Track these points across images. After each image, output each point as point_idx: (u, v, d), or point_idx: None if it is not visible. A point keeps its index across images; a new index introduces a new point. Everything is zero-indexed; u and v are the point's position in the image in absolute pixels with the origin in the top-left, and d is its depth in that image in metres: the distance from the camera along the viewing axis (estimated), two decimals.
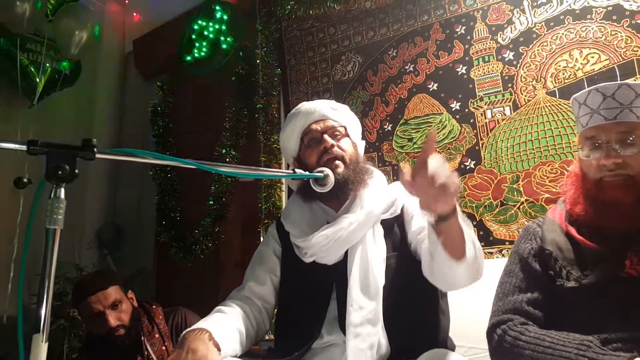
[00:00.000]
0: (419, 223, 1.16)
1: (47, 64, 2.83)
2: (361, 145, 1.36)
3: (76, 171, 0.75)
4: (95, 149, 0.77)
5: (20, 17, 2.65)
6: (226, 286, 2.46)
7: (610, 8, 1.80)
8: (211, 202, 2.68)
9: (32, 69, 2.79)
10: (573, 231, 1.10)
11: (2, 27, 2.72)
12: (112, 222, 3.18)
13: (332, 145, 1.22)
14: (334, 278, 1.17)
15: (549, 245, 1.12)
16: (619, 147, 1.04)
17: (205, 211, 2.70)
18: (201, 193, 2.73)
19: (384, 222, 1.21)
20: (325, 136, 1.24)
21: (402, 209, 1.23)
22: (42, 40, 2.82)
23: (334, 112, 1.27)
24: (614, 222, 1.04)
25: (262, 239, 2.44)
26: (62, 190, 0.74)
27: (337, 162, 1.21)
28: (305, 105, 1.29)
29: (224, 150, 2.71)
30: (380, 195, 1.23)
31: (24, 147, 0.73)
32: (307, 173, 1.15)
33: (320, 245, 1.17)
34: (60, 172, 0.73)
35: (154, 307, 1.88)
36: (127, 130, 3.41)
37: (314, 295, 1.19)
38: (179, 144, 3.01)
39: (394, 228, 1.21)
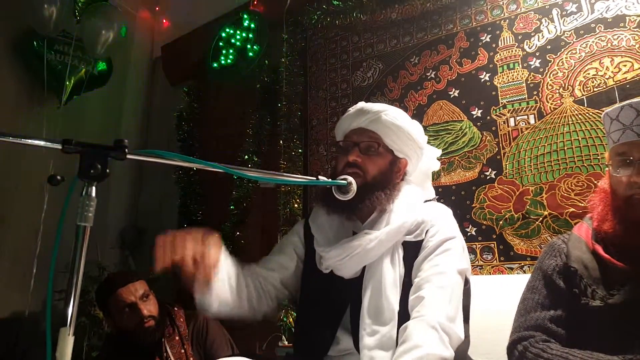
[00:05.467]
0: (425, 267, 1.12)
1: (78, 64, 2.89)
2: (413, 156, 1.30)
3: (107, 170, 0.77)
4: (126, 150, 0.79)
5: (47, 19, 2.69)
6: None
7: None
8: (232, 207, 2.71)
9: (60, 69, 2.84)
10: (600, 249, 1.08)
11: (30, 30, 2.79)
12: (135, 223, 3.24)
13: (355, 161, 1.21)
14: (349, 294, 1.16)
15: (574, 263, 1.10)
16: None
17: (225, 215, 2.73)
18: (222, 197, 2.77)
19: (406, 244, 1.17)
20: (355, 149, 1.23)
21: (425, 234, 1.18)
22: (69, 41, 2.88)
23: (372, 123, 1.24)
24: None
25: None
26: (94, 188, 0.76)
27: (356, 176, 1.18)
28: (353, 109, 1.30)
29: (246, 156, 2.75)
30: (407, 215, 1.18)
31: (58, 146, 0.76)
32: (329, 180, 1.12)
33: (335, 259, 1.16)
34: (92, 171, 0.75)
35: (175, 309, 1.90)
36: (153, 133, 3.49)
37: (330, 306, 1.18)
38: (203, 149, 3.06)
39: (415, 252, 1.16)
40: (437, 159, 1.44)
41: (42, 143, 0.76)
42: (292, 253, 1.32)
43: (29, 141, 0.76)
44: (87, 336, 2.57)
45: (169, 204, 3.07)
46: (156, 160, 0.89)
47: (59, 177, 0.79)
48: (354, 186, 1.11)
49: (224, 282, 1.13)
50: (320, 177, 1.11)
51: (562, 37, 1.94)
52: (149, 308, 1.75)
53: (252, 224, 2.71)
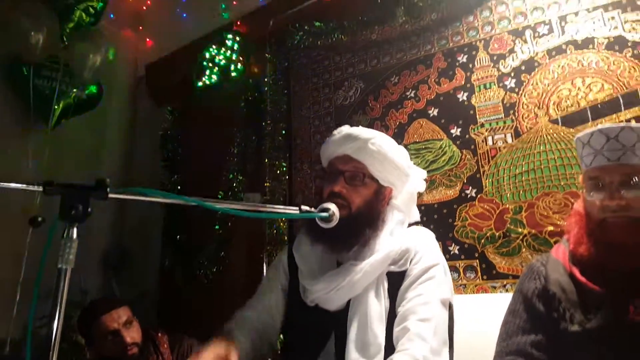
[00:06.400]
0: (409, 296, 1.11)
1: (66, 89, 2.88)
2: (398, 183, 1.28)
3: (89, 210, 0.78)
4: (108, 189, 0.80)
5: (34, 45, 2.70)
6: (229, 312, 2.46)
7: (613, 39, 1.84)
8: (217, 227, 2.70)
9: (48, 94, 2.83)
10: (576, 272, 1.10)
11: (18, 56, 2.79)
12: (119, 244, 3.20)
13: (340, 192, 1.20)
14: (333, 327, 1.16)
15: (552, 286, 1.12)
16: (622, 189, 1.06)
17: (210, 235, 2.72)
18: (207, 217, 2.76)
19: (390, 275, 1.16)
20: (340, 179, 1.21)
21: (410, 263, 1.17)
22: (57, 66, 2.87)
23: (358, 152, 1.22)
24: (618, 264, 1.04)
25: (265, 265, 2.45)
26: (75, 230, 0.77)
27: (340, 207, 1.16)
28: (338, 135, 1.27)
29: (231, 175, 2.75)
30: (391, 244, 1.17)
31: (39, 189, 0.76)
32: (312, 213, 1.10)
33: (321, 292, 1.16)
34: (73, 212, 0.76)
35: (159, 334, 1.88)
36: (138, 153, 3.46)
37: (315, 339, 1.17)
38: (187, 169, 3.06)
39: (400, 283, 1.15)
40: (424, 180, 1.44)
41: (23, 186, 0.77)
42: (280, 292, 1.29)
43: (11, 185, 0.76)
44: None
45: (153, 224, 3.05)
46: (138, 199, 0.89)
47: (40, 219, 0.80)
48: (337, 214, 1.10)
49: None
50: (303, 207, 1.08)
51: (535, 58, 2.01)
52: (132, 335, 1.73)
53: (238, 244, 2.71)
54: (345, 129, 1.28)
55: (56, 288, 0.73)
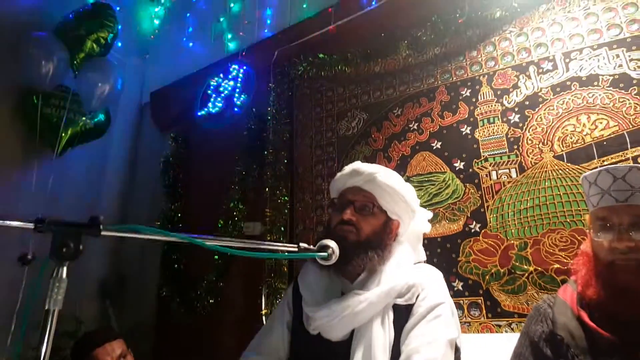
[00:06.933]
0: (415, 334, 1.09)
1: (74, 117, 2.92)
2: (405, 218, 1.31)
3: (81, 247, 0.76)
4: (101, 227, 0.77)
5: (44, 75, 2.77)
6: (226, 345, 2.39)
7: (617, 76, 1.83)
8: (216, 257, 2.66)
9: (56, 122, 2.88)
10: (585, 317, 1.07)
11: (28, 85, 2.85)
12: (116, 272, 3.15)
13: (349, 219, 1.22)
14: (336, 357, 1.13)
15: (560, 330, 1.09)
16: (631, 231, 1.04)
17: (209, 265, 2.68)
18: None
19: (396, 307, 1.16)
20: (349, 209, 1.24)
21: (416, 298, 1.16)
22: (66, 95, 2.93)
23: (368, 184, 1.26)
24: (628, 310, 1.01)
25: (264, 297, 2.39)
26: (65, 269, 0.74)
27: (350, 232, 1.21)
28: (349, 168, 1.32)
29: (232, 204, 2.73)
30: (398, 277, 1.18)
31: (30, 225, 0.74)
32: (311, 252, 1.07)
33: (324, 320, 1.14)
34: (65, 250, 0.73)
35: None
36: (139, 179, 3.46)
37: None
38: (188, 196, 3.04)
39: (405, 316, 1.14)
40: (428, 221, 1.45)
41: (15, 224, 0.74)
42: (285, 329, 1.28)
43: (5, 222, 0.74)
44: None
45: (151, 252, 3.01)
46: (131, 236, 0.87)
47: (29, 257, 0.77)
48: (336, 251, 1.08)
49: None
50: (302, 244, 1.06)
51: (539, 94, 2.01)
52: None
53: (236, 274, 2.66)
54: (355, 164, 1.33)
55: (43, 328, 0.70)
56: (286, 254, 1.04)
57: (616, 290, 1.03)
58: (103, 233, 0.78)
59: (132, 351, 1.82)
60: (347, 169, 1.32)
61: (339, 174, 1.35)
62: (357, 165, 1.32)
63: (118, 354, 1.70)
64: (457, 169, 2.12)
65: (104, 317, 2.92)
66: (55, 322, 0.72)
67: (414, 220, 1.35)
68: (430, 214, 1.45)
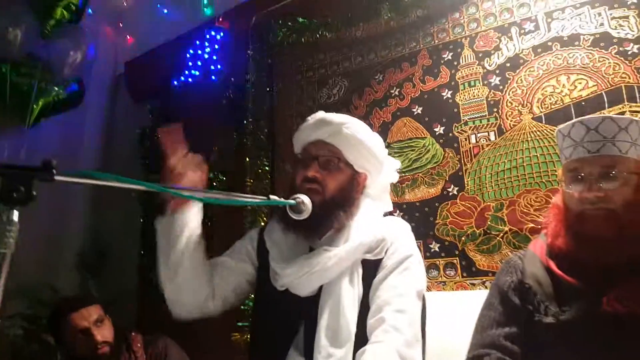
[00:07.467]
0: (384, 287, 1.09)
1: (45, 87, 2.83)
2: (373, 170, 1.26)
3: (33, 193, 0.72)
4: (54, 171, 0.73)
5: (12, 42, 2.66)
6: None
7: (598, 35, 1.81)
8: None
9: (27, 91, 2.79)
10: (553, 265, 1.08)
11: None
12: (95, 244, 3.11)
13: (314, 176, 1.17)
14: (304, 313, 1.12)
15: (528, 279, 1.10)
16: (601, 181, 1.03)
17: None
18: None
19: (365, 263, 1.14)
20: (314, 164, 1.18)
21: (385, 252, 1.15)
22: (36, 63, 2.83)
23: (333, 137, 1.19)
24: (594, 256, 1.01)
25: None
26: (16, 212, 0.70)
27: (314, 192, 1.15)
28: (311, 120, 1.25)
29: (211, 175, 2.68)
30: (367, 232, 1.15)
31: None
32: (280, 200, 1.10)
33: (292, 277, 1.12)
34: (15, 195, 0.70)
35: (133, 334, 1.83)
36: (115, 151, 3.39)
37: (284, 325, 1.14)
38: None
39: (374, 271, 1.13)
40: (397, 172, 1.41)
41: None
42: (245, 258, 1.28)
43: None
44: None
45: (131, 223, 2.96)
46: (88, 182, 0.82)
47: None
48: (308, 205, 1.08)
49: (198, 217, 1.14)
50: (272, 196, 1.08)
51: (520, 56, 1.98)
52: (103, 333, 1.69)
53: (218, 244, 2.61)
54: (319, 114, 1.25)
55: None
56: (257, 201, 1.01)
57: (584, 239, 1.03)
58: (56, 178, 0.74)
59: (114, 322, 1.80)
60: (311, 120, 1.25)
61: (302, 126, 1.27)
62: (321, 115, 1.24)
63: (95, 318, 1.68)
64: (437, 134, 2.10)
65: (84, 290, 2.90)
66: (7, 265, 0.69)
67: (381, 172, 1.31)
68: (398, 163, 1.40)
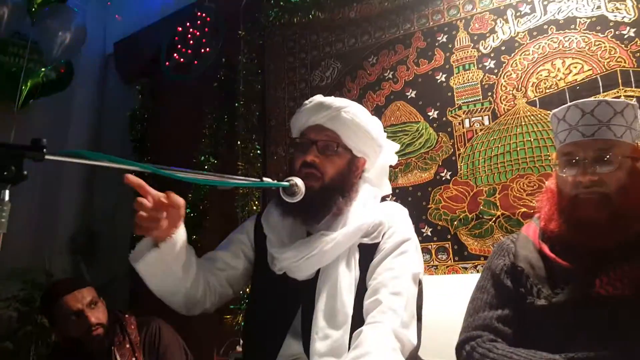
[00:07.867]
0: (381, 270, 1.09)
1: (34, 68, 2.76)
2: (372, 154, 1.24)
3: (24, 172, 0.70)
4: (44, 150, 0.71)
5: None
6: None
7: (595, 19, 1.78)
8: (188, 210, 2.61)
9: (15, 72, 2.72)
10: (545, 248, 1.08)
11: None
12: (87, 227, 3.09)
13: (313, 161, 1.15)
14: (301, 297, 1.12)
15: (521, 262, 1.10)
16: (595, 165, 1.02)
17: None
18: None
19: (362, 247, 1.14)
20: (313, 148, 1.16)
21: (382, 236, 1.14)
22: (24, 43, 2.76)
23: (332, 121, 1.17)
24: (587, 240, 1.01)
25: None
26: (7, 192, 0.69)
27: (313, 177, 1.13)
28: (310, 104, 1.22)
29: (202, 157, 2.66)
30: (364, 216, 1.15)
31: None
32: (274, 182, 1.08)
33: (291, 261, 1.12)
34: (6, 173, 0.68)
35: (127, 316, 1.82)
36: (106, 133, 3.34)
37: (281, 308, 1.14)
38: (157, 150, 2.94)
39: (371, 255, 1.13)
40: (395, 154, 1.39)
41: None
42: (239, 253, 1.26)
43: None
44: (35, 345, 2.46)
45: (123, 207, 2.94)
46: (80, 162, 0.80)
47: None
48: (302, 188, 1.07)
49: (181, 243, 1.07)
50: (265, 178, 1.05)
51: (516, 39, 1.95)
52: (97, 315, 1.67)
53: (210, 228, 2.63)
54: (318, 98, 1.22)
55: None
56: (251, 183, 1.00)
57: (577, 222, 1.03)
58: (47, 157, 0.72)
59: (107, 305, 1.80)
60: (309, 103, 1.22)
61: (300, 109, 1.24)
62: (320, 99, 1.21)
63: (88, 300, 1.67)
64: (430, 118, 2.08)
65: (76, 273, 2.89)
66: None
67: (380, 155, 1.29)
68: (397, 146, 1.39)
